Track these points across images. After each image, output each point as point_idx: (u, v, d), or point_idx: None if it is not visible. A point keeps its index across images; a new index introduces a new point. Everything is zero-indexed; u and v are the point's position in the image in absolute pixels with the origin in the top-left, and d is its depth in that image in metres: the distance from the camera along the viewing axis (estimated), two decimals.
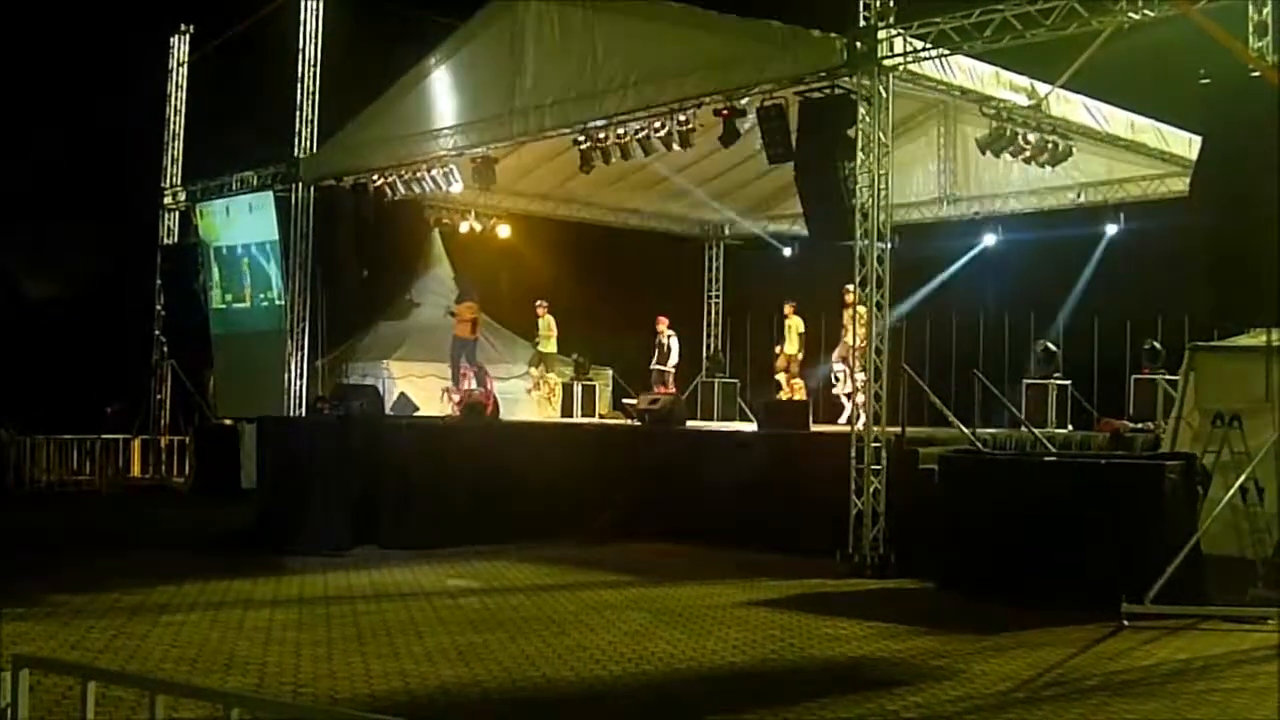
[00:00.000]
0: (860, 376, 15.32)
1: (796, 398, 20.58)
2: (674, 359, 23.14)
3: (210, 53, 24.76)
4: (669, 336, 23.17)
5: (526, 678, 8.80)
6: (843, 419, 18.02)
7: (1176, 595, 10.85)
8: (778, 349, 21.72)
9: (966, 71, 15.27)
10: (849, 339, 14.95)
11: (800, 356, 21.62)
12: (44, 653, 8.99)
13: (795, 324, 21.58)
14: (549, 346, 23.31)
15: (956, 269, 22.29)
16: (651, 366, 23.07)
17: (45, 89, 25.82)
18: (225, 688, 7.97)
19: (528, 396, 23.76)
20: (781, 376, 21.47)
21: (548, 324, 23.26)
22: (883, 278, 14.46)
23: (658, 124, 16.81)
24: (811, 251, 22.57)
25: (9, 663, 4.86)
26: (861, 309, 14.83)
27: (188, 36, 25.83)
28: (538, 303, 23.33)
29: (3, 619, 10.44)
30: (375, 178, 20.67)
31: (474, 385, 21.71)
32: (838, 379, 20.02)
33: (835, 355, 20.06)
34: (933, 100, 18.59)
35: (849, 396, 14.50)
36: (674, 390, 22.39)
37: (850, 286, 15.42)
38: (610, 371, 24.61)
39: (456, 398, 21.49)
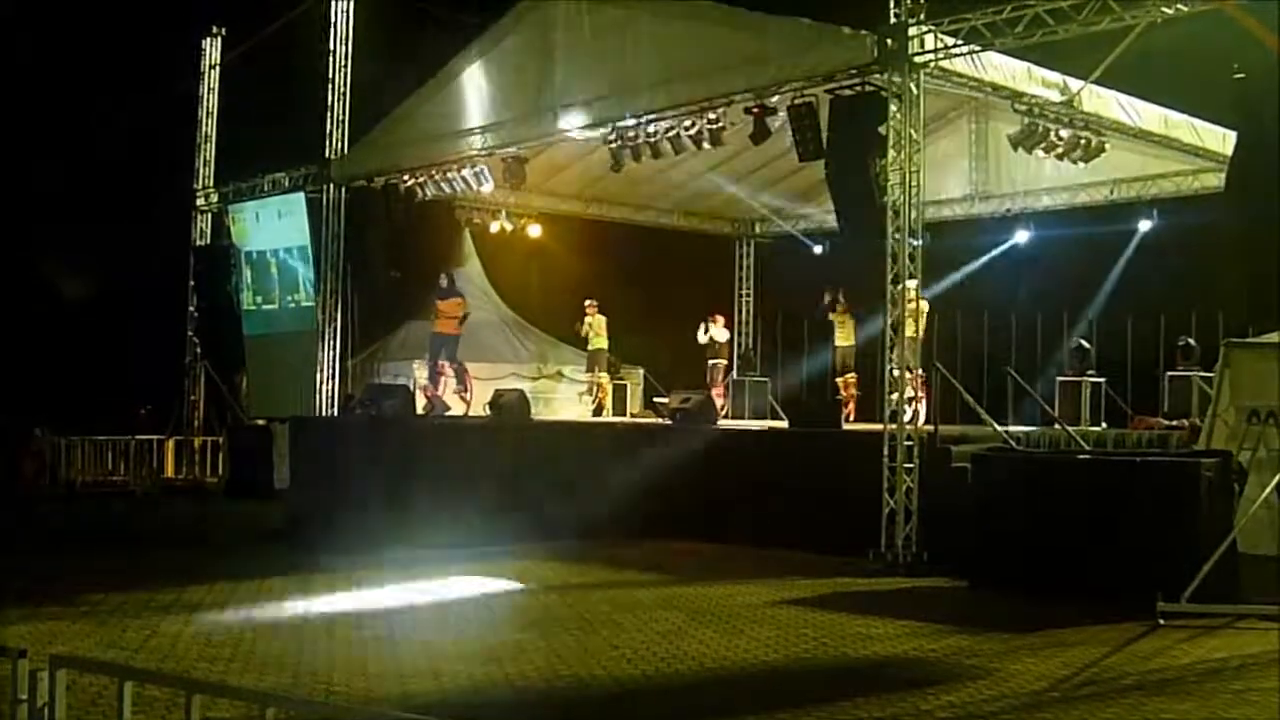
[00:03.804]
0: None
1: (852, 393, 20.67)
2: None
3: (241, 54, 24.89)
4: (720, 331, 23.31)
5: (559, 677, 8.80)
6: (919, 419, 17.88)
7: (1212, 594, 10.76)
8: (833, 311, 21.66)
9: (998, 68, 15.20)
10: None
11: (853, 350, 21.61)
12: (79, 652, 9.05)
13: (848, 320, 21.62)
14: (600, 344, 23.25)
15: (984, 263, 22.22)
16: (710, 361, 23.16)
17: (78, 92, 26.00)
18: (260, 687, 8.01)
19: (578, 399, 23.79)
20: (840, 380, 21.48)
21: (599, 323, 23.18)
22: (915, 275, 14.41)
23: (688, 122, 16.82)
24: (843, 249, 22.57)
25: (46, 662, 4.88)
26: (922, 304, 14.71)
27: (219, 39, 25.95)
28: (587, 302, 23.21)
29: (40, 617, 10.54)
30: (406, 178, 20.73)
31: (454, 382, 21.83)
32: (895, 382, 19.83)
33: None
34: (964, 97, 18.50)
35: (910, 401, 14.41)
36: (722, 386, 22.50)
37: (911, 284, 15.25)
38: (641, 370, 24.60)
39: (433, 397, 21.59)
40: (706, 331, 23.28)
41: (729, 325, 23.68)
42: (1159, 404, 19.45)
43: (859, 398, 21.17)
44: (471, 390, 22.03)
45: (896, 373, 14.47)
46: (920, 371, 15.26)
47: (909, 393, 14.53)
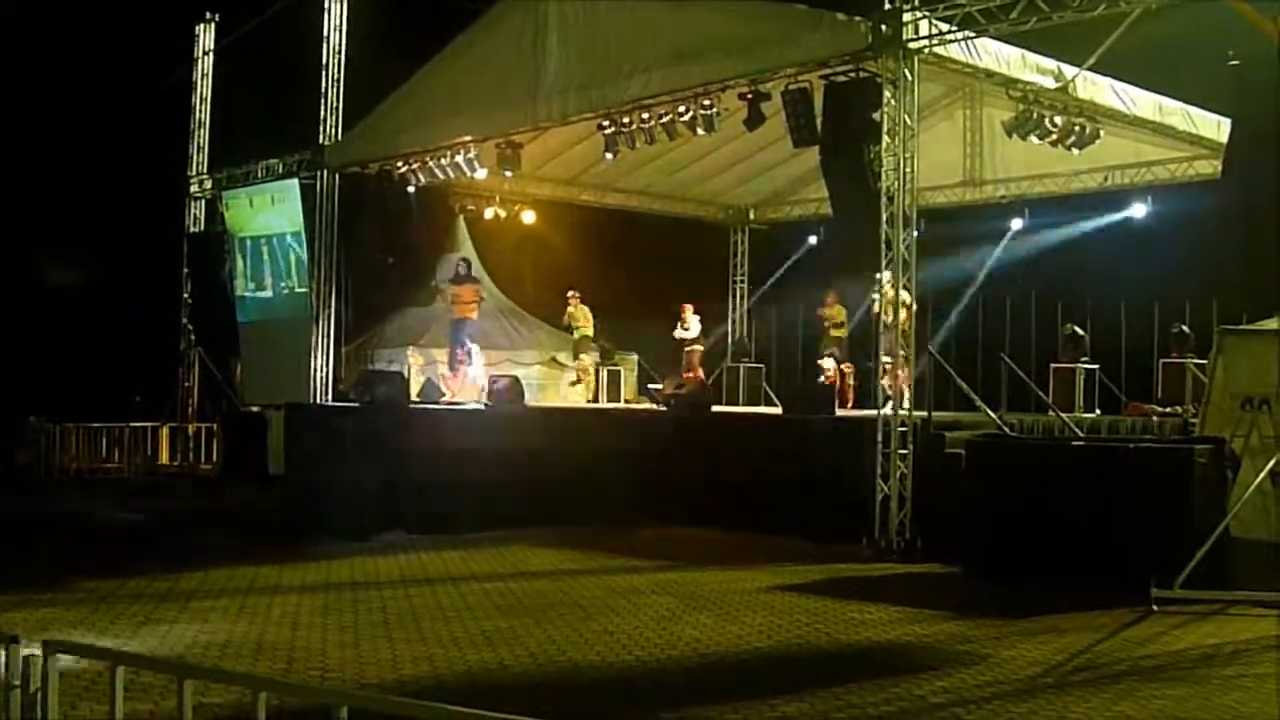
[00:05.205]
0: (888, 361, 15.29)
1: (850, 382, 20.72)
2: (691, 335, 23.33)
3: (235, 41, 24.82)
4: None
5: (553, 662, 8.82)
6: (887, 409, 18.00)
7: (1206, 580, 10.80)
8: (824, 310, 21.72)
9: (992, 54, 15.16)
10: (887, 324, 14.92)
11: (845, 341, 21.63)
12: (73, 638, 9.05)
13: (836, 313, 21.64)
14: (586, 331, 23.35)
15: (977, 244, 22.22)
16: (686, 349, 23.22)
17: (71, 79, 25.93)
18: (253, 673, 8.01)
19: (574, 387, 23.81)
20: (829, 366, 21.48)
21: (584, 313, 23.28)
22: (909, 261, 14.42)
23: (682, 108, 16.79)
24: (837, 235, 22.57)
25: (39, 648, 4.88)
26: (901, 295, 14.73)
27: (213, 25, 25.86)
28: (570, 292, 23.32)
29: (34, 604, 10.53)
30: (400, 164, 20.70)
31: (468, 369, 21.80)
32: (886, 370, 19.97)
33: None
34: (958, 83, 18.47)
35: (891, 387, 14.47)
36: (700, 372, 22.51)
37: (881, 276, 15.38)
38: (635, 357, 24.61)
39: (452, 385, 21.57)
40: (684, 328, 23.28)
41: (698, 310, 23.61)
42: (1153, 391, 19.47)
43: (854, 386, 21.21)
44: (463, 376, 21.99)
45: (888, 359, 14.49)
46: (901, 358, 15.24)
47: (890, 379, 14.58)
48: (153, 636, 9.47)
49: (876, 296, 17.18)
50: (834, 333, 21.68)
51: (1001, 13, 13.74)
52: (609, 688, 8.28)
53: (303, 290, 22.56)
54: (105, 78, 25.16)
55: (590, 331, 23.38)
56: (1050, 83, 15.93)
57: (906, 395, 14.84)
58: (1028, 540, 12.24)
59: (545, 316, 25.16)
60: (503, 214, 23.72)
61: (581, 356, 23.40)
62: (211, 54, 25.89)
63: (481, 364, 21.98)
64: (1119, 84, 16.72)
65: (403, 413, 17.34)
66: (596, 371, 23.38)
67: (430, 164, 20.13)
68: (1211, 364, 14.02)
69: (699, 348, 23.38)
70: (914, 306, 14.93)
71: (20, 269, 26.11)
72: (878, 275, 16.79)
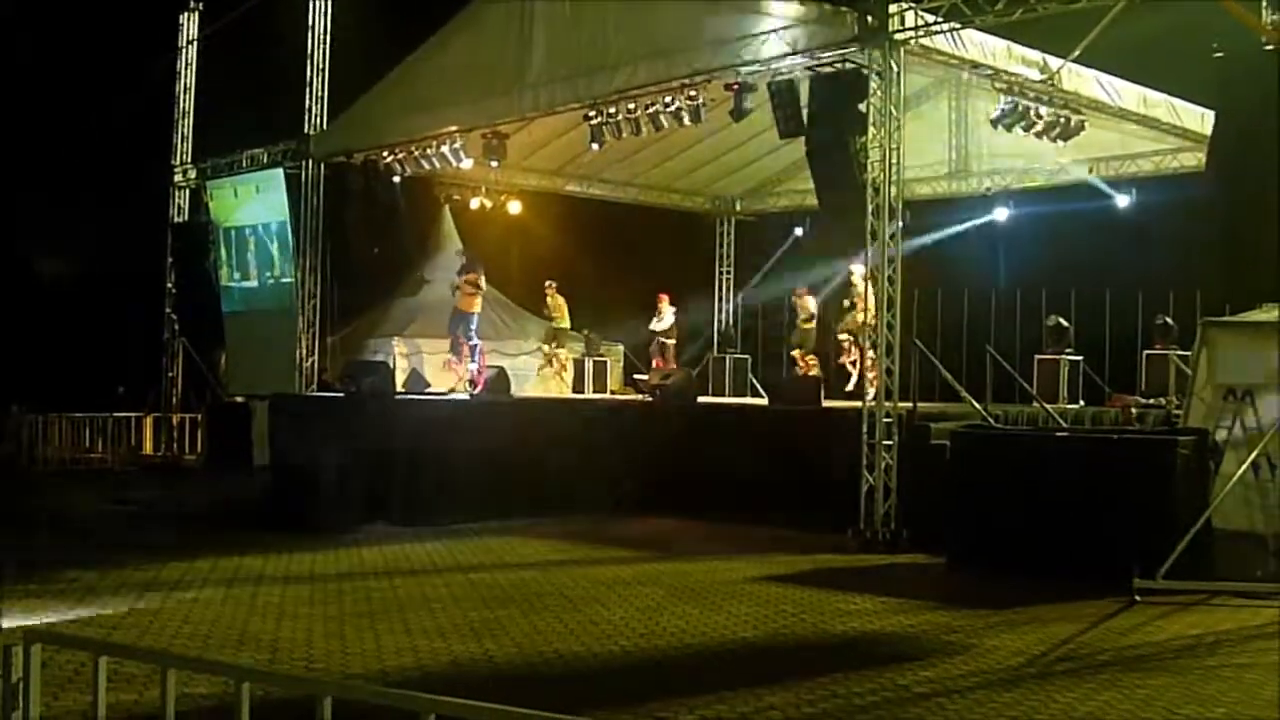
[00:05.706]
0: (871, 354, 15.31)
1: (812, 373, 20.71)
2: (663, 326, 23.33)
3: (220, 29, 24.71)
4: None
5: (539, 653, 8.82)
6: (849, 387, 18.29)
7: (1188, 571, 10.84)
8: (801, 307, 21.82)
9: (978, 46, 15.18)
10: (858, 315, 14.99)
11: (813, 332, 21.68)
12: (57, 629, 9.02)
13: (806, 304, 21.69)
14: (562, 323, 23.43)
15: (960, 234, 22.20)
16: (658, 340, 23.24)
17: (55, 67, 25.81)
18: (237, 663, 8.00)
19: (540, 373, 23.81)
20: (797, 353, 21.54)
21: (558, 303, 23.35)
22: (894, 252, 14.43)
23: (668, 99, 16.77)
24: (823, 226, 22.58)
25: (21, 638, 4.86)
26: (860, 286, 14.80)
27: (197, 13, 25.75)
28: (547, 283, 23.40)
29: (16, 595, 10.50)
30: (385, 154, 20.64)
31: (470, 360, 21.75)
32: (843, 349, 20.19)
33: (840, 327, 20.25)
34: (944, 74, 18.46)
35: (854, 364, 14.55)
36: (664, 362, 22.55)
37: (854, 268, 15.47)
38: (621, 348, 24.62)
39: (459, 370, 21.55)
40: (659, 318, 23.29)
41: (676, 301, 23.62)
42: (1137, 382, 19.51)
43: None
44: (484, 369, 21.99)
45: (846, 342, 14.51)
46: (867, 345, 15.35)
47: (852, 357, 14.64)
48: (136, 627, 9.45)
49: (858, 293, 17.27)
50: (804, 325, 21.74)
51: (988, 4, 13.75)
52: (595, 678, 8.28)
53: (288, 280, 22.47)
54: (88, 66, 25.03)
55: (566, 323, 23.41)
56: (1036, 74, 15.94)
57: (870, 386, 14.90)
58: (1012, 531, 12.28)
59: (531, 307, 25.15)
60: (489, 204, 23.69)
61: (558, 349, 23.44)
62: (196, 43, 25.78)
63: (485, 363, 21.97)
64: (1104, 76, 16.75)
65: (388, 403, 17.30)
66: (580, 364, 23.35)
67: (416, 154, 20.08)
68: (1195, 356, 14.04)
69: (670, 340, 23.37)
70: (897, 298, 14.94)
71: (2, 259, 26.00)
72: (850, 268, 16.89)
